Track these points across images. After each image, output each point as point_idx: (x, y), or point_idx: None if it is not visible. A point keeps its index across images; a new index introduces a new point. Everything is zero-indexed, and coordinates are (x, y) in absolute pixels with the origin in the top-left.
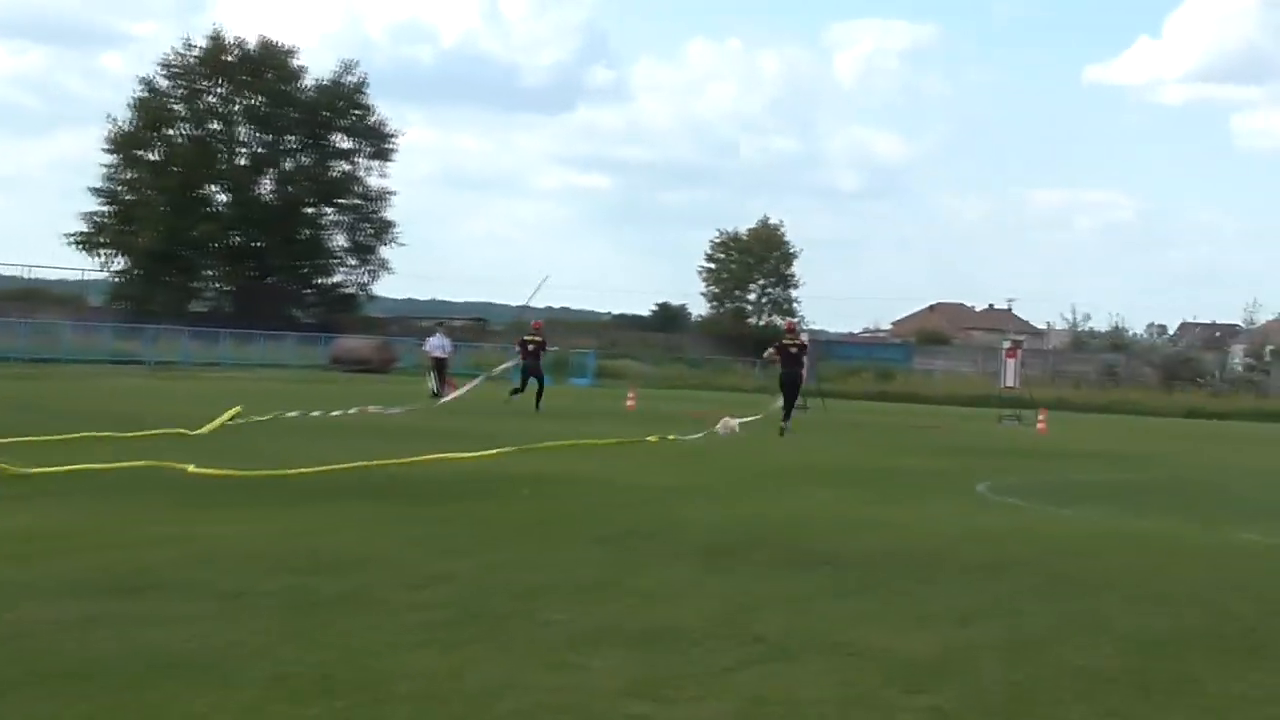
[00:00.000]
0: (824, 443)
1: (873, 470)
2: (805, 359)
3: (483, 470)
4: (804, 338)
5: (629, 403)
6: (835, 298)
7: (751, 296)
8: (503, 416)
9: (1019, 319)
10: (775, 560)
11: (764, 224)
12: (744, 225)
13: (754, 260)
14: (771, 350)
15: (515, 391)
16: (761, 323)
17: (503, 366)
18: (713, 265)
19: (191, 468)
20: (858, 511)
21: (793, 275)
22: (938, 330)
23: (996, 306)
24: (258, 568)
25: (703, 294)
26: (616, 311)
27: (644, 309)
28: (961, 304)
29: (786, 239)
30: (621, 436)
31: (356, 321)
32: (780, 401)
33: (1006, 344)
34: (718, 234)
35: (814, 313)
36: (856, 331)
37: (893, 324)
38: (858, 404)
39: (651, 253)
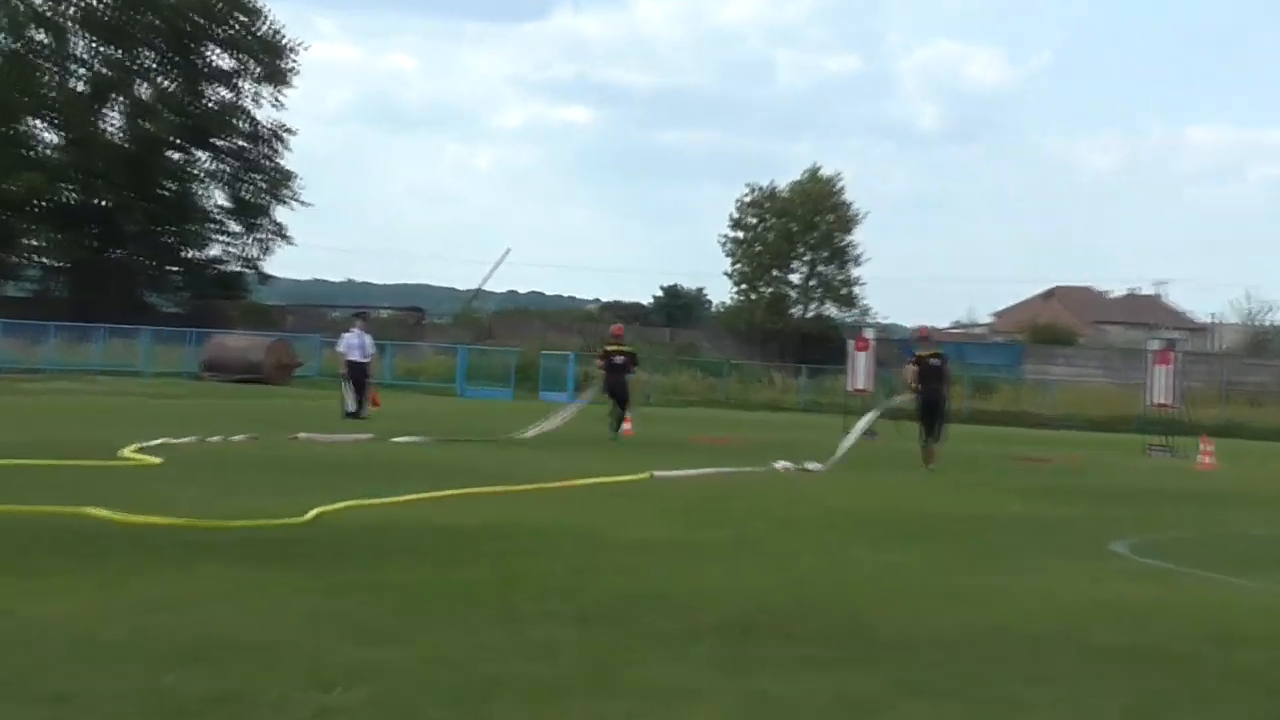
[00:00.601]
0: (896, 482)
1: (963, 520)
2: (946, 370)
3: (423, 520)
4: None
5: (624, 425)
6: (911, 280)
7: (795, 278)
8: (472, 445)
9: (1172, 310)
10: (824, 648)
11: (813, 176)
12: (784, 178)
13: (799, 228)
14: (912, 368)
15: (614, 426)
16: (808, 313)
17: (588, 393)
18: (740, 235)
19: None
20: (941, 579)
21: (853, 248)
22: (1057, 325)
23: (1140, 292)
24: (98, 658)
25: (727, 274)
26: (606, 298)
27: (644, 295)
28: (1089, 289)
29: (845, 197)
30: (613, 472)
31: (241, 312)
32: (850, 437)
33: (1155, 345)
34: (747, 191)
35: (882, 301)
36: (942, 326)
37: (993, 316)
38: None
39: (654, 216)
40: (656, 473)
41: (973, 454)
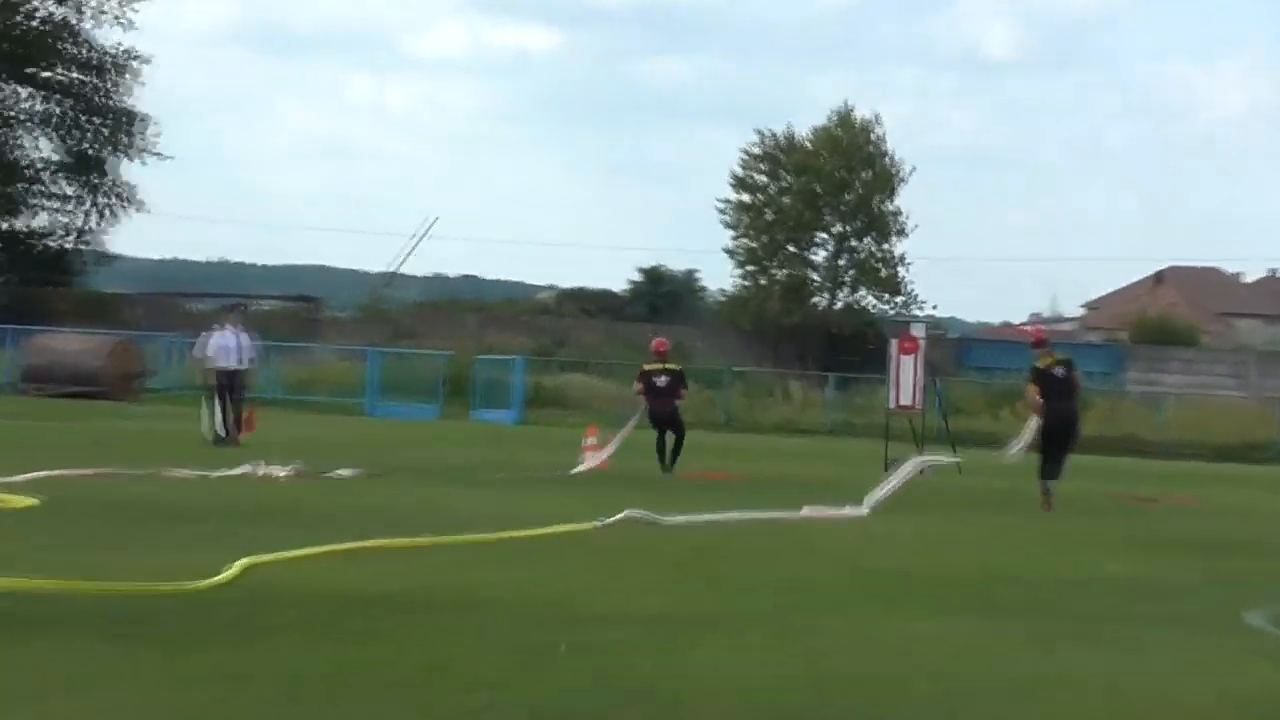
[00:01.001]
0: (951, 529)
1: (1042, 585)
2: (1076, 381)
3: (326, 584)
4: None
5: (588, 454)
6: (975, 260)
7: (820, 256)
8: (421, 483)
9: None
10: None
11: (843, 120)
12: (804, 122)
13: (825, 189)
14: (1033, 387)
15: (667, 463)
16: (837, 303)
17: (631, 423)
18: (746, 198)
19: None
20: (1010, 666)
21: (897, 217)
22: (1171, 319)
23: None
24: None
25: (728, 252)
26: (566, 284)
27: (617, 279)
28: (1215, 270)
29: (886, 148)
30: (571, 519)
31: (74, 303)
32: (903, 472)
33: None
34: (756, 140)
35: (935, 288)
36: (1017, 322)
37: (1084, 308)
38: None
39: (632, 174)
40: (636, 514)
41: (1055, 493)
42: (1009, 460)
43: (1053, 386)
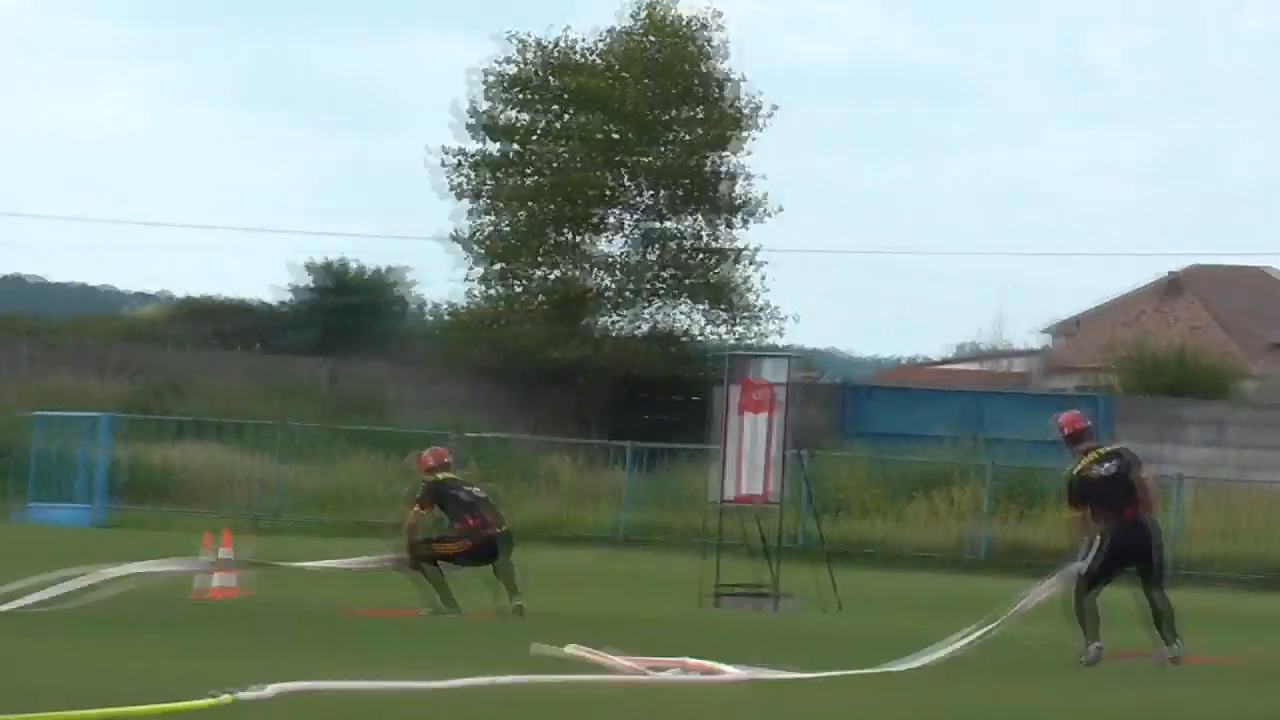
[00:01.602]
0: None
1: None
2: (1137, 474)
3: None
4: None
5: (218, 574)
6: (866, 254)
7: (613, 247)
8: None
9: None
10: None
11: (654, 17)
12: (588, 22)
13: (624, 131)
14: (1075, 510)
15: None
16: (640, 326)
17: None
18: (486, 149)
19: None
20: None
21: (745, 182)
22: (1191, 350)
23: None
24: None
25: (457, 240)
26: (182, 291)
27: (267, 285)
28: (1263, 272)
29: (728, 68)
30: (177, 693)
31: None
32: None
33: None
34: (506, 50)
35: (804, 302)
36: (937, 358)
37: (1051, 333)
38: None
39: (284, 110)
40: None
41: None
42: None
43: (1103, 494)
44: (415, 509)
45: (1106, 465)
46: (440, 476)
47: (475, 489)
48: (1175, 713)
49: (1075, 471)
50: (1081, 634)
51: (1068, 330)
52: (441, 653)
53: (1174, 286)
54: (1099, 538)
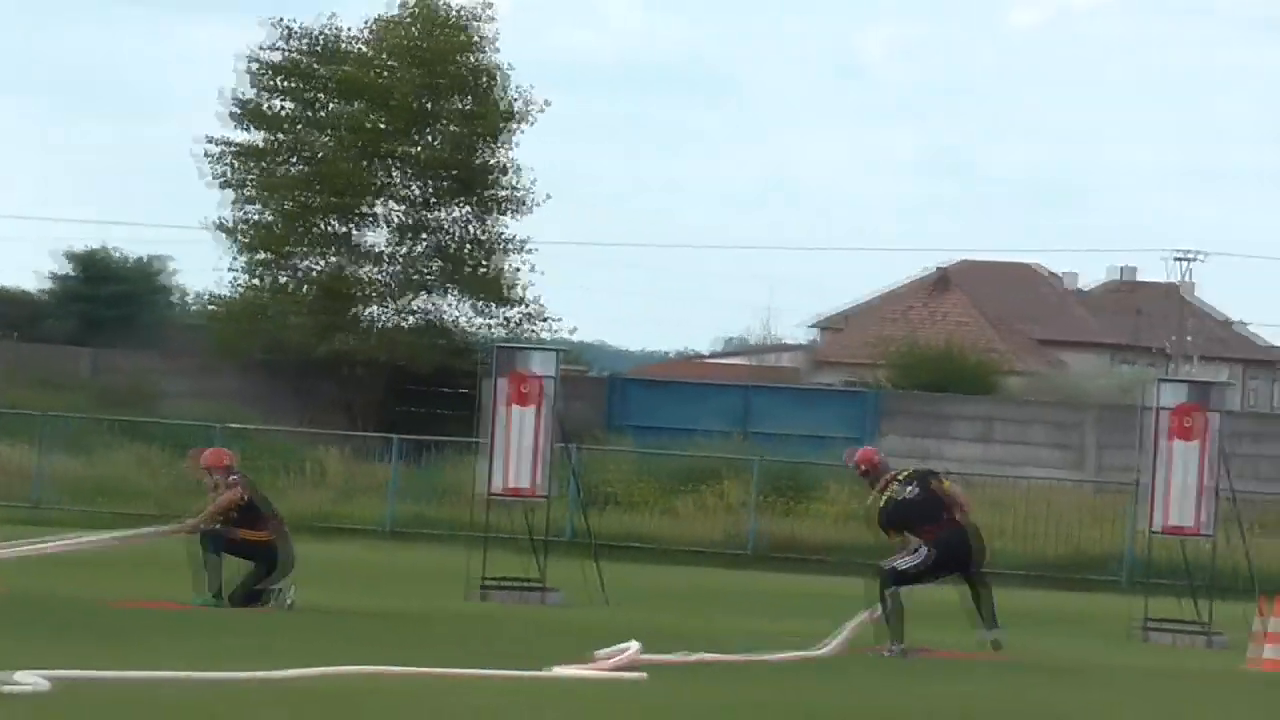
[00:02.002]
0: None
1: None
2: (945, 488)
3: None
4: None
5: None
6: (637, 247)
7: (379, 238)
8: None
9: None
10: None
11: (423, 6)
12: (355, 10)
13: (390, 122)
14: (880, 514)
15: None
16: (405, 317)
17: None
18: (251, 138)
19: None
20: None
21: (514, 175)
22: (958, 347)
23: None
24: None
25: (221, 229)
26: None
27: (25, 273)
28: (1032, 269)
29: (498, 60)
30: None
31: None
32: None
33: (1172, 393)
34: (270, 37)
35: (572, 296)
36: (706, 351)
37: (818, 328)
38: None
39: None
40: None
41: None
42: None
43: (917, 515)
44: (239, 493)
45: (910, 488)
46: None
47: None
48: (937, 711)
49: (881, 500)
50: (886, 633)
51: (835, 325)
52: (215, 646)
53: (942, 282)
54: (925, 549)
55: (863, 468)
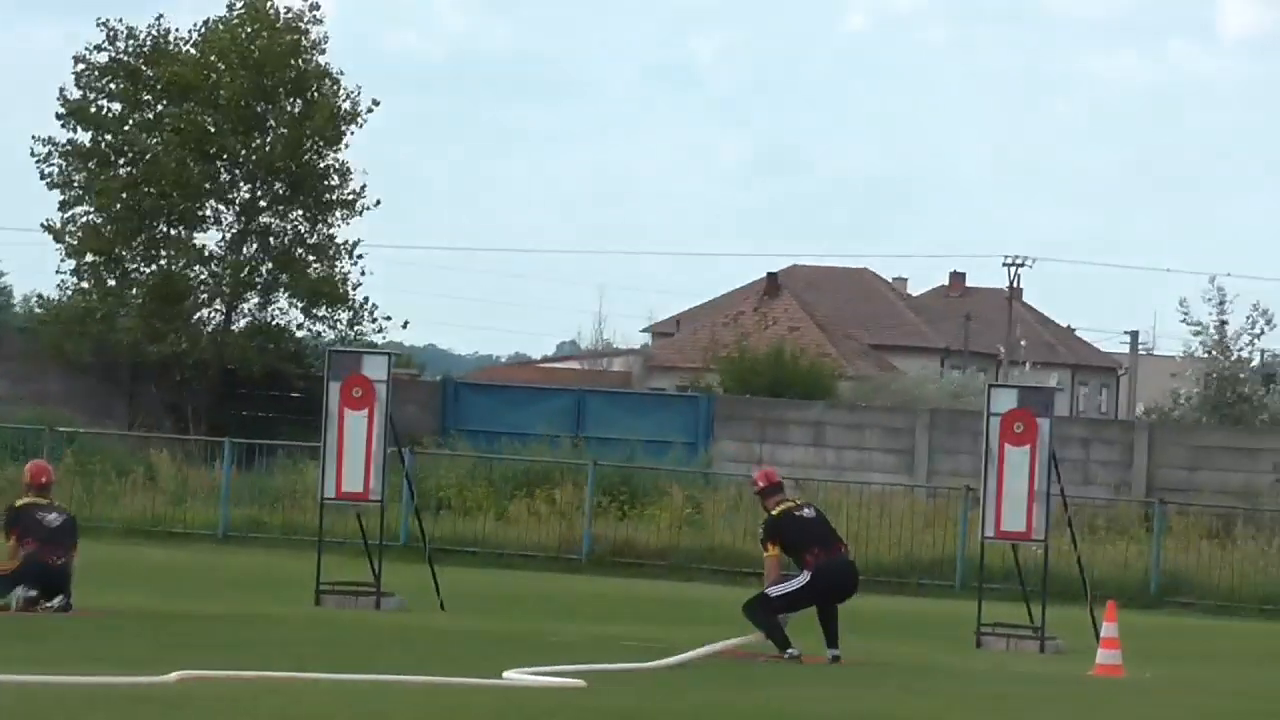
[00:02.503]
0: None
1: None
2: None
3: None
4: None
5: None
6: (471, 250)
7: (210, 238)
8: None
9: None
10: None
11: (253, 7)
12: (185, 11)
13: (222, 124)
14: (773, 549)
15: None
16: (238, 321)
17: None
18: (85, 139)
19: None
20: None
21: (344, 177)
22: (788, 352)
23: (975, 283)
24: None
25: (49, 230)
26: None
27: None
28: (867, 272)
29: (326, 61)
30: None
31: None
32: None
33: (1006, 399)
34: (99, 37)
35: (406, 300)
36: (538, 356)
37: (651, 332)
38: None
39: None
40: None
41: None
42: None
43: (811, 534)
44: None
45: (807, 510)
46: (23, 501)
47: (55, 517)
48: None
49: (778, 513)
50: (775, 646)
51: (664, 330)
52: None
53: (773, 287)
54: (805, 576)
55: (763, 484)
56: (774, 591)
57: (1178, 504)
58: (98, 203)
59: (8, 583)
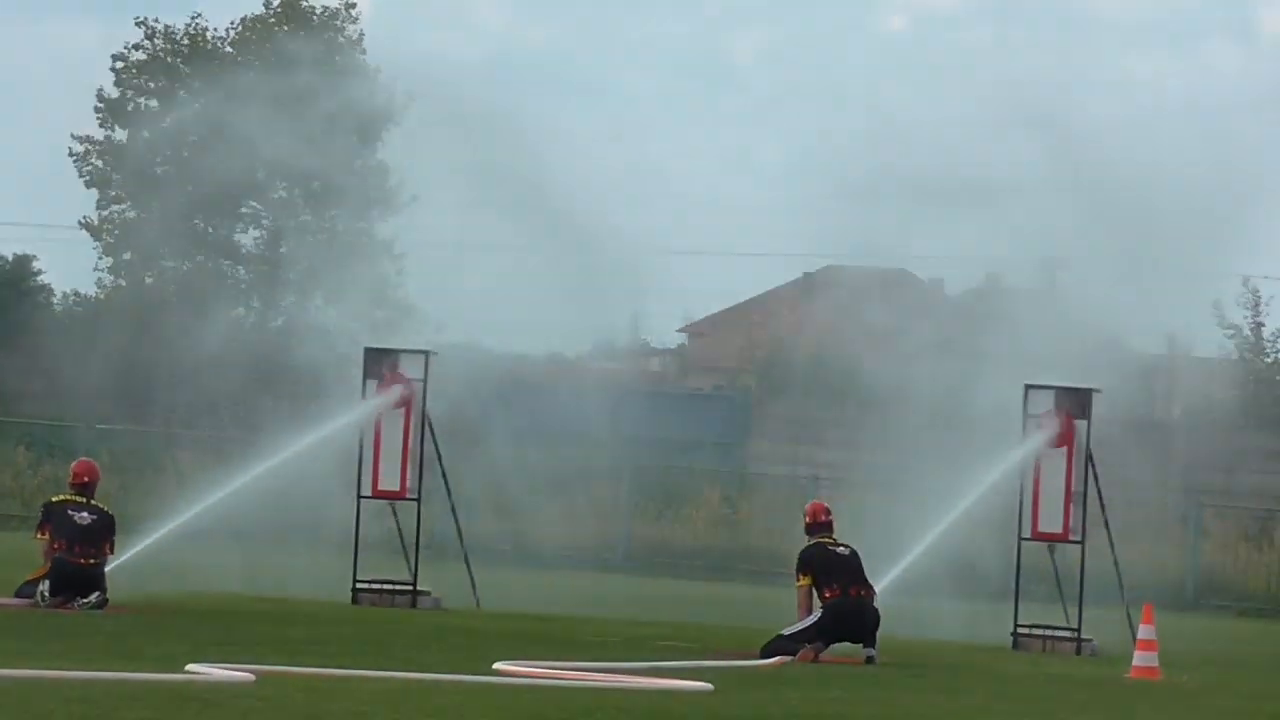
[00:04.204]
0: None
1: None
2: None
3: None
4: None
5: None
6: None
7: (248, 238)
8: None
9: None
10: None
11: (291, 5)
12: (223, 9)
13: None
14: (803, 580)
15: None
16: (276, 319)
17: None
18: (115, 135)
19: None
20: None
21: (382, 176)
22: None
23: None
24: None
25: (86, 227)
26: None
27: None
28: (907, 273)
29: (367, 59)
30: None
31: None
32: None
33: (1045, 402)
34: (138, 36)
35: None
36: (571, 354)
37: (686, 332)
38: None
39: None
40: None
41: None
42: None
43: (840, 571)
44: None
45: (842, 548)
46: (59, 498)
47: (86, 516)
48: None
49: (814, 544)
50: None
51: (698, 330)
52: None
53: (809, 287)
54: (817, 614)
55: (805, 520)
56: (786, 631)
57: (1215, 506)
58: (136, 199)
59: (34, 586)
